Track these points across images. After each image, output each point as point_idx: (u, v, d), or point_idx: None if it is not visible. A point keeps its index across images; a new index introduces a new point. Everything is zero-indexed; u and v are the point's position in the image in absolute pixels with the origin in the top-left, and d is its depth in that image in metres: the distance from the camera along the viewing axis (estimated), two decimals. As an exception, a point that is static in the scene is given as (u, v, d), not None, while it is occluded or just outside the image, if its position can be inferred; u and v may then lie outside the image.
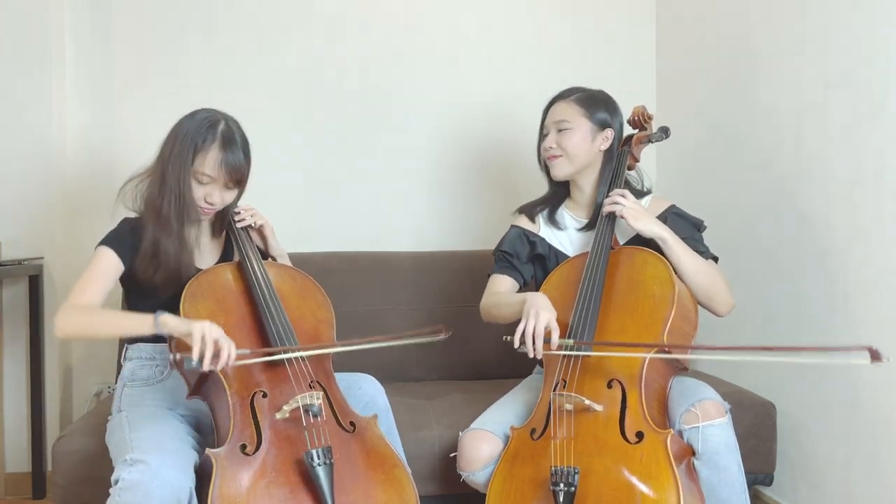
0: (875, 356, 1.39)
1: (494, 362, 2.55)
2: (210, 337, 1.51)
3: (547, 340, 1.67)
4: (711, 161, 2.58)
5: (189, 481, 1.50)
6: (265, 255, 1.95)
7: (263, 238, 1.94)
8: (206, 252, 1.88)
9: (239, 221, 1.87)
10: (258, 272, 1.78)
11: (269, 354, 1.66)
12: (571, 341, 1.68)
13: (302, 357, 1.71)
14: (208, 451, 1.54)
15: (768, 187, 2.26)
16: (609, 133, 1.95)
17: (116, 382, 1.87)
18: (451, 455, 1.84)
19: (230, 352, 1.52)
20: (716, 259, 1.90)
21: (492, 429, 1.77)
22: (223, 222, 1.91)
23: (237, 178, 1.76)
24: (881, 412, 1.84)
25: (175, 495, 1.46)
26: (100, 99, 2.68)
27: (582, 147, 1.93)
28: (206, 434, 1.73)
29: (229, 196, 1.79)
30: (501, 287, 1.99)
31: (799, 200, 2.12)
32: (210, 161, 1.72)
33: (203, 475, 1.54)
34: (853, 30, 1.90)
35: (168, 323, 1.56)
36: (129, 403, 1.76)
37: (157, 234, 1.72)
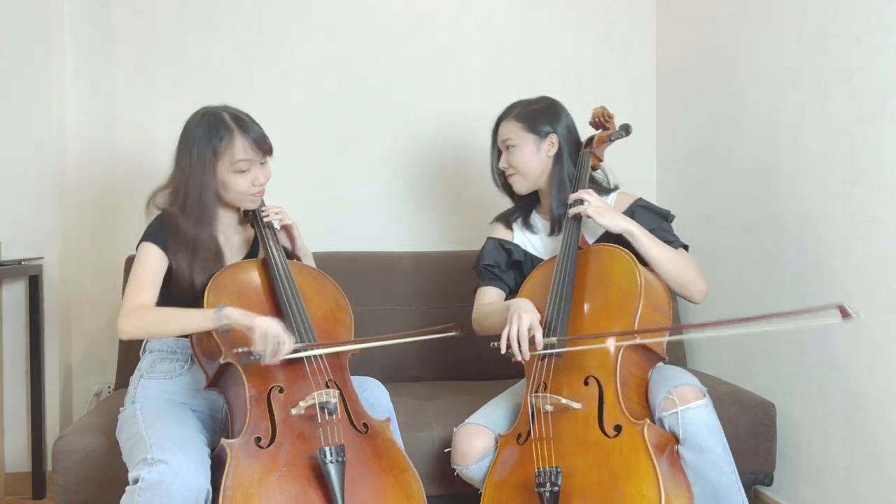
0: (844, 313, 1.40)
1: (494, 362, 2.53)
2: (272, 333, 1.56)
3: (532, 342, 1.68)
4: (711, 161, 2.58)
5: (207, 482, 1.52)
6: (290, 254, 1.97)
7: (291, 238, 1.96)
8: (235, 249, 1.91)
9: (265, 219, 1.88)
10: (282, 270, 1.80)
11: (302, 350, 1.69)
12: (555, 339, 1.70)
13: (321, 356, 1.72)
14: (223, 440, 1.56)
15: (768, 187, 2.26)
16: (553, 139, 1.99)
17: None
18: (446, 450, 1.86)
19: (288, 348, 1.58)
20: (686, 247, 1.92)
21: (485, 423, 1.80)
22: (248, 215, 1.95)
23: (267, 147, 1.81)
24: (881, 412, 1.84)
25: (195, 497, 1.48)
26: (100, 99, 2.68)
27: (531, 161, 1.98)
28: (216, 431, 1.74)
29: (267, 170, 1.84)
30: (489, 299, 2.04)
31: (798, 200, 2.12)
32: (240, 148, 1.76)
33: (214, 471, 1.55)
34: (853, 30, 1.90)
35: (231, 315, 1.61)
36: (143, 395, 1.76)
37: (179, 249, 1.76)
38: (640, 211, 1.94)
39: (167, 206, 1.80)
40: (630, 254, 1.80)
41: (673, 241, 1.90)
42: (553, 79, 2.86)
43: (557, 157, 2.00)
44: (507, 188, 2.10)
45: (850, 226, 1.92)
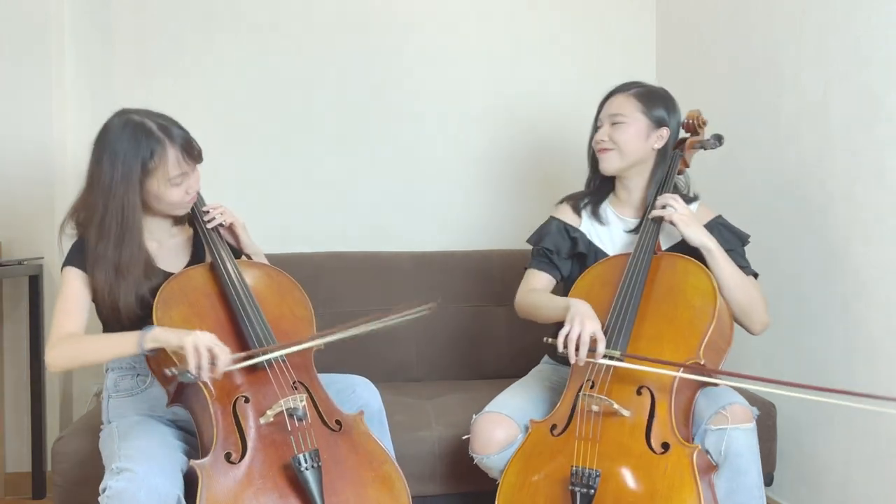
0: None
1: (494, 362, 2.55)
2: (204, 346, 1.49)
3: (591, 349, 1.62)
4: (711, 161, 2.58)
5: (176, 488, 1.48)
6: (238, 253, 1.90)
7: (235, 236, 1.88)
8: (174, 253, 1.82)
9: (209, 222, 1.80)
10: (232, 273, 1.72)
11: (252, 357, 1.60)
12: (618, 352, 1.63)
13: (282, 358, 1.66)
14: (192, 462, 1.51)
15: (768, 187, 2.26)
16: (664, 132, 1.89)
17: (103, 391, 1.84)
18: (464, 437, 1.80)
19: (225, 358, 1.51)
20: (756, 275, 1.86)
21: (508, 413, 1.74)
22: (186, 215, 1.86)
23: (197, 153, 1.71)
24: (881, 413, 1.83)
25: (163, 502, 1.45)
26: (100, 99, 2.68)
27: (635, 142, 1.87)
28: (196, 436, 1.69)
29: (197, 174, 1.74)
30: (538, 283, 1.93)
31: (799, 200, 2.12)
32: (173, 163, 1.65)
33: (193, 482, 1.52)
34: (852, 30, 1.90)
35: (158, 337, 1.53)
36: (116, 414, 1.74)
37: (99, 277, 1.66)
38: (719, 228, 1.86)
39: (83, 226, 1.70)
40: (709, 272, 1.72)
41: (745, 267, 1.82)
42: (553, 79, 2.87)
43: (662, 153, 1.89)
44: (595, 165, 1.96)
45: (850, 226, 1.92)
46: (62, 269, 1.72)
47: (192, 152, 1.69)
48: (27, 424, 2.53)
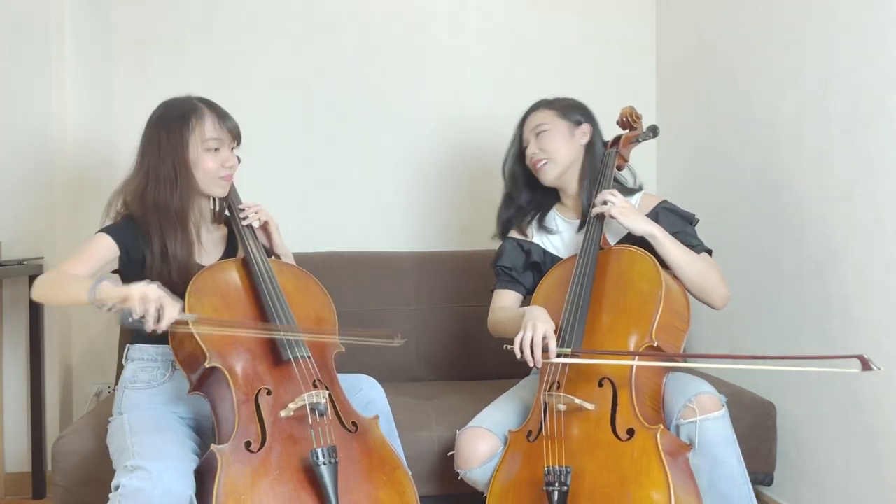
0: (865, 365, 1.39)
1: (494, 362, 2.53)
2: (152, 297, 1.48)
3: (546, 350, 1.67)
4: (711, 161, 2.58)
5: (189, 489, 1.50)
6: (269, 252, 1.94)
7: (269, 235, 1.94)
8: (209, 248, 1.88)
9: (244, 219, 1.86)
10: (263, 269, 1.77)
11: (221, 325, 1.64)
12: (569, 350, 1.68)
13: (308, 355, 1.70)
14: (213, 447, 1.53)
15: (767, 187, 2.26)
16: (586, 128, 1.98)
17: (117, 383, 1.85)
18: (449, 454, 1.84)
19: (172, 310, 1.49)
20: (710, 252, 1.91)
21: (489, 427, 1.79)
22: (222, 212, 1.92)
23: (236, 132, 1.82)
24: (881, 412, 1.84)
25: (176, 503, 1.46)
26: (100, 99, 2.68)
27: (564, 145, 1.95)
28: (205, 437, 1.72)
29: (235, 156, 1.83)
30: (506, 302, 2.01)
31: (798, 200, 2.12)
32: (210, 126, 1.77)
33: (200, 475, 1.54)
34: (853, 30, 1.90)
35: (103, 290, 1.50)
36: (129, 406, 1.74)
37: (164, 234, 1.73)
38: (665, 213, 1.92)
39: (138, 195, 1.75)
40: (652, 257, 1.77)
41: (696, 246, 1.87)
42: (553, 79, 2.86)
43: (589, 148, 1.98)
44: (516, 184, 2.05)
45: (849, 226, 1.92)
46: (97, 232, 1.75)
47: (230, 126, 1.81)
48: (27, 424, 2.54)
